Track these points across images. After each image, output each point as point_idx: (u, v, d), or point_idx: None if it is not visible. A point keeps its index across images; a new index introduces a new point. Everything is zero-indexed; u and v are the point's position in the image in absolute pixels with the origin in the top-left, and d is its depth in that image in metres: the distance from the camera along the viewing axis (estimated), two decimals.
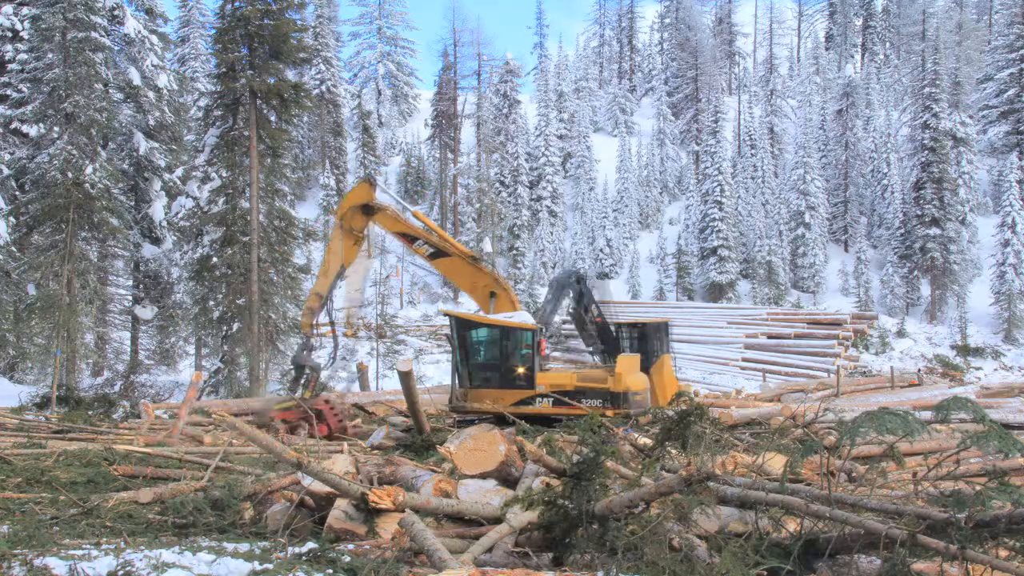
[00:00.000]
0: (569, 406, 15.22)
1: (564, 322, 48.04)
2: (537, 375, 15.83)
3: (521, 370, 15.88)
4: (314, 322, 16.58)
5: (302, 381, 16.28)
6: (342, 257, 16.38)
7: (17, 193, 28.40)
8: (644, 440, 9.54)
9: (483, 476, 7.59)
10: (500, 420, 14.38)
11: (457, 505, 6.71)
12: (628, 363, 16.35)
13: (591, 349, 19.64)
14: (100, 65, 28.11)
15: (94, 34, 27.61)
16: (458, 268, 16.81)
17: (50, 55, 27.36)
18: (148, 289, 33.03)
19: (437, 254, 16.61)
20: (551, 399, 15.59)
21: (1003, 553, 4.59)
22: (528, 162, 59.91)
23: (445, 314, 17.43)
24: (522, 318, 16.38)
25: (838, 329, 41.59)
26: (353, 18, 78.48)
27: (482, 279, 16.76)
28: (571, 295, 19.46)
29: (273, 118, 28.17)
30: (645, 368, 17.72)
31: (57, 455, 10.54)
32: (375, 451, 12.43)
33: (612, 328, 19.41)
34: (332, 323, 16.85)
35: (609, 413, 14.55)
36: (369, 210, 16.09)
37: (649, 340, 18.90)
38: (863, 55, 77.98)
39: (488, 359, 16.22)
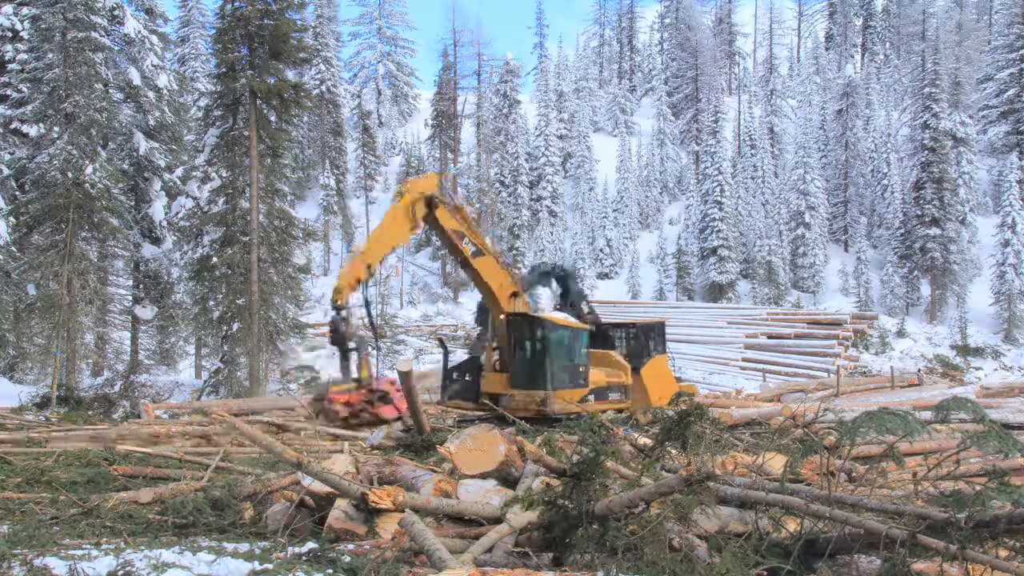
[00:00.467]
0: (600, 401, 16.38)
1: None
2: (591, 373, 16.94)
3: (581, 368, 16.67)
4: (355, 293, 14.71)
5: (353, 360, 14.32)
6: (400, 237, 15.68)
7: (17, 193, 28.40)
8: (644, 440, 9.54)
9: (483, 476, 7.58)
10: (500, 420, 14.38)
11: (457, 505, 6.71)
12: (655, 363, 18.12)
13: None
14: (100, 65, 28.12)
15: (94, 34, 27.62)
16: (493, 268, 16.59)
17: (50, 55, 27.36)
18: (148, 289, 33.03)
19: (478, 253, 16.31)
20: (593, 396, 16.56)
21: (1003, 553, 4.59)
22: (528, 162, 59.91)
23: (520, 315, 16.75)
24: (570, 318, 16.99)
25: (838, 329, 41.59)
26: (353, 18, 78.63)
27: (507, 280, 16.74)
28: (554, 289, 19.50)
29: (273, 118, 28.18)
30: (636, 369, 17.87)
31: (57, 455, 10.55)
32: (375, 451, 12.41)
33: (604, 327, 19.45)
34: (368, 303, 15.20)
35: (625, 405, 16.22)
36: (432, 203, 15.54)
37: (640, 341, 18.95)
38: (863, 55, 77.97)
39: (568, 361, 16.58)
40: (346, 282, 14.50)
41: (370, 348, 14.72)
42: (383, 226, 15.58)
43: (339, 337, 14.33)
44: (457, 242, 16.03)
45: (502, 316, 16.61)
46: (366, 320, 14.76)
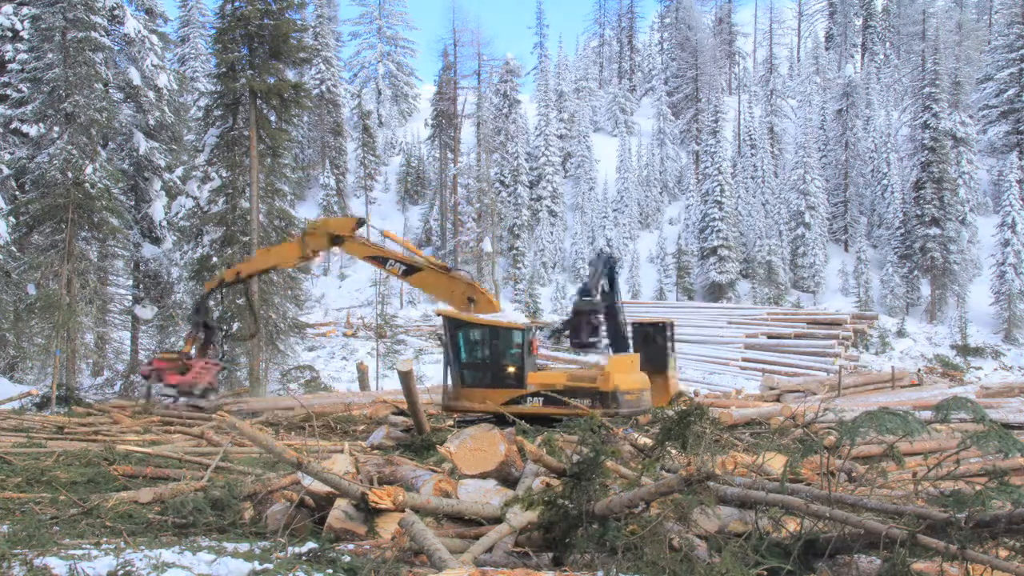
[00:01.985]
0: (559, 405, 15.13)
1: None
2: (528, 374, 15.79)
3: (511, 369, 15.85)
4: (217, 287, 19.54)
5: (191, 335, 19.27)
6: (281, 261, 19.10)
7: (17, 193, 28.38)
8: (644, 440, 9.54)
9: (483, 476, 7.59)
10: (500, 420, 14.37)
11: (457, 505, 6.71)
12: (620, 362, 16.32)
13: (606, 341, 19.33)
14: (100, 65, 28.10)
15: (94, 34, 27.60)
16: (432, 280, 17.00)
17: (50, 55, 27.35)
18: (148, 289, 33.02)
19: (409, 271, 16.99)
20: (542, 398, 15.53)
21: (1003, 553, 4.59)
22: (528, 162, 59.91)
23: (438, 314, 17.85)
24: (512, 318, 16.47)
25: (838, 329, 41.58)
26: (353, 18, 78.52)
27: (458, 287, 16.72)
28: (606, 277, 19.30)
29: (273, 118, 28.17)
30: (662, 369, 17.79)
31: (57, 455, 10.55)
32: (375, 451, 12.43)
33: (629, 326, 19.41)
34: (250, 299, 20.74)
35: (597, 413, 14.43)
36: (337, 240, 17.46)
37: (667, 340, 18.96)
38: (863, 55, 77.96)
39: (479, 358, 16.26)
40: (217, 278, 19.51)
41: (214, 335, 19.66)
42: (273, 248, 19.85)
43: (195, 316, 19.36)
44: (379, 266, 17.93)
45: (437, 315, 17.61)
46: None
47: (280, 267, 19.32)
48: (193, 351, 19.10)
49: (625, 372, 15.81)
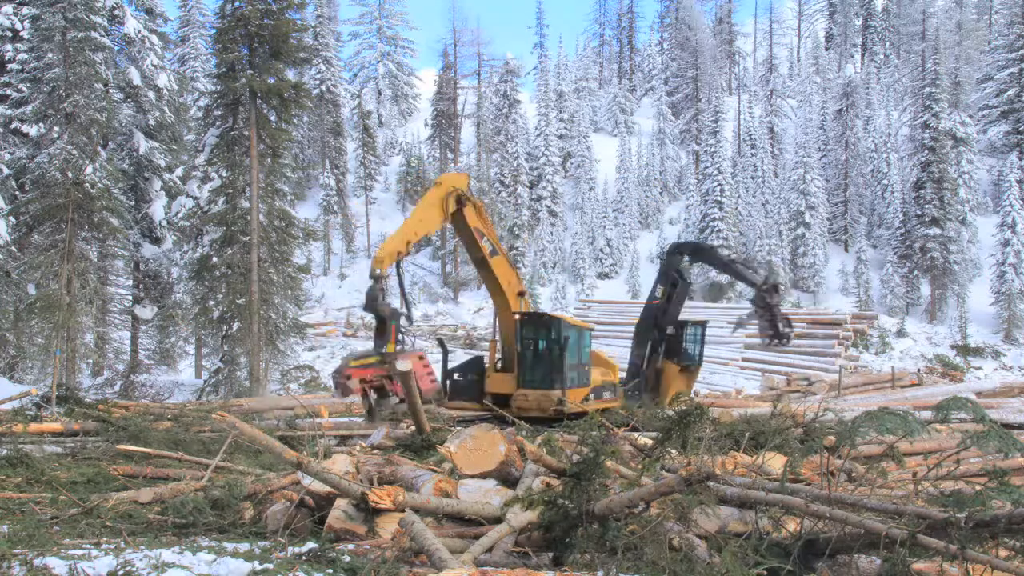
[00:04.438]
0: (601, 400, 16.56)
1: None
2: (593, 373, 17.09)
3: (586, 368, 16.90)
4: (390, 268, 15.30)
5: (384, 335, 14.75)
6: (433, 224, 16.68)
7: (17, 193, 28.38)
8: (644, 440, 9.54)
9: (483, 476, 7.59)
10: (500, 420, 14.38)
11: (457, 505, 6.71)
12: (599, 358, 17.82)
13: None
14: (100, 65, 28.10)
15: (94, 34, 27.60)
16: (505, 267, 17.05)
17: (50, 55, 27.35)
18: (148, 289, 33.04)
19: (494, 252, 16.84)
20: (594, 394, 16.76)
21: (1003, 553, 4.59)
22: (528, 162, 59.90)
23: (552, 316, 17.44)
24: (571, 316, 17.44)
25: (838, 329, 41.56)
26: (353, 18, 78.36)
27: (515, 279, 17.23)
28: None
29: (273, 118, 28.17)
30: (688, 367, 18.44)
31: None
32: (375, 451, 12.42)
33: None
34: (401, 279, 16.25)
35: (615, 404, 16.17)
36: (460, 200, 16.17)
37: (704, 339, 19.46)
38: (863, 55, 77.96)
39: (575, 361, 16.79)
40: (386, 253, 15.06)
41: (403, 321, 15.24)
42: (418, 211, 16.41)
43: (374, 305, 14.82)
44: (478, 240, 16.54)
45: (515, 316, 16.83)
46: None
47: (431, 233, 17.47)
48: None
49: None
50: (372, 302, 14.89)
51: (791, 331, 18.33)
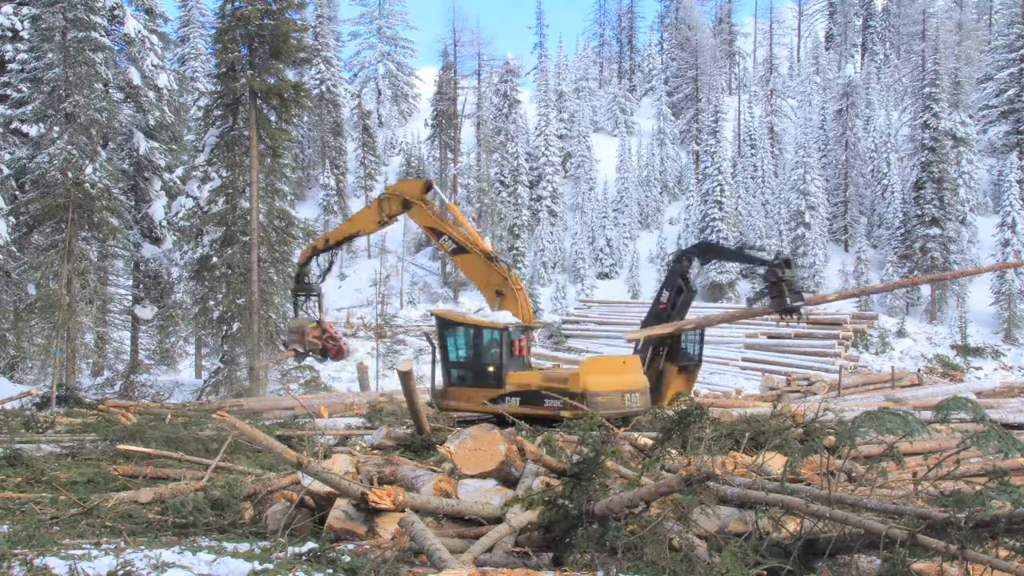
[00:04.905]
0: (534, 406, 15.09)
1: (564, 321, 48.09)
2: (509, 374, 15.76)
3: (490, 368, 15.89)
4: (312, 258, 19.73)
5: (303, 304, 20.01)
6: (362, 226, 19.30)
7: (17, 193, 28.39)
8: (644, 440, 9.54)
9: (483, 476, 7.59)
10: (500, 420, 14.36)
11: (457, 505, 6.71)
12: (596, 364, 16.45)
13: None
14: (100, 65, 28.11)
15: (94, 34, 27.61)
16: (475, 265, 17.12)
17: (50, 55, 27.35)
18: (148, 289, 33.04)
19: (458, 250, 17.16)
20: (519, 398, 15.49)
21: (1003, 553, 4.59)
22: (528, 162, 59.89)
23: (432, 313, 18.84)
24: (498, 317, 16.38)
25: (838, 329, 41.57)
26: (353, 18, 78.39)
27: (494, 277, 16.89)
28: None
29: (273, 118, 28.18)
30: (690, 370, 18.13)
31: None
32: (375, 451, 12.42)
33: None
34: (320, 274, 20.15)
35: (566, 414, 13.94)
36: (407, 204, 17.69)
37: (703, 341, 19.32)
38: (863, 55, 77.96)
39: (463, 358, 16.41)
40: (309, 247, 20.15)
41: (322, 296, 20.32)
42: (355, 215, 20.18)
43: (299, 285, 20.04)
44: (433, 238, 18.10)
45: (431, 313, 18.78)
46: (318, 273, 19.97)
47: (363, 233, 19.93)
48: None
49: (600, 373, 15.52)
50: (298, 284, 20.13)
51: (802, 303, 18.19)
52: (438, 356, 16.65)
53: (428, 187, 17.83)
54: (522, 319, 16.45)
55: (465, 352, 16.40)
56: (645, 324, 19.64)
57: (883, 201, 54.29)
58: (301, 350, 19.33)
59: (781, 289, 18.04)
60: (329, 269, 20.13)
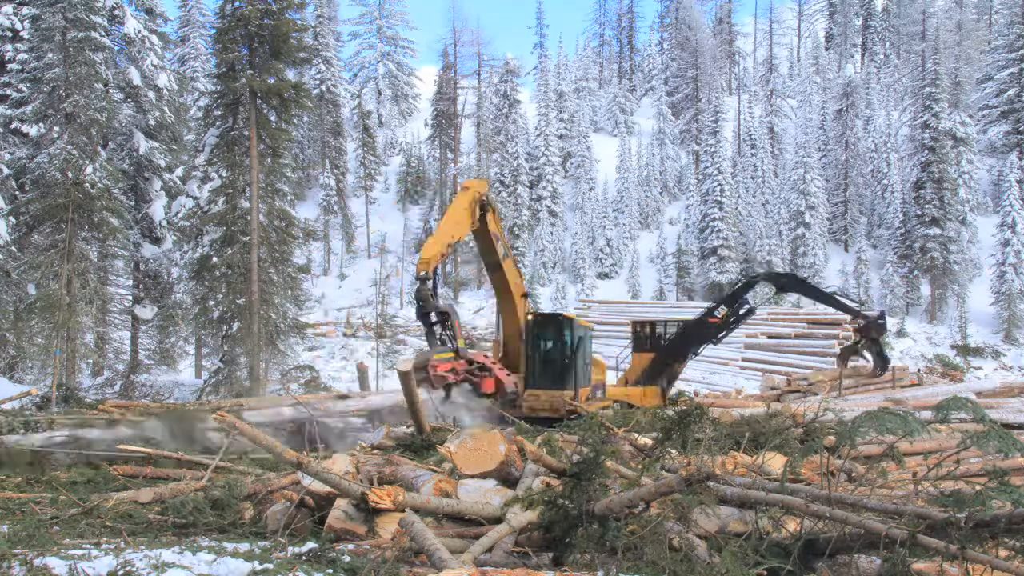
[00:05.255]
0: (597, 399, 16.93)
1: None
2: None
3: (590, 368, 17.30)
4: (435, 271, 15.37)
5: (442, 331, 14.78)
6: (463, 232, 16.34)
7: (17, 193, 28.39)
8: (644, 440, 9.54)
9: (483, 476, 7.58)
10: (500, 420, 14.37)
11: (457, 505, 6.71)
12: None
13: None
14: (100, 65, 28.11)
15: (94, 34, 27.61)
16: (513, 271, 17.41)
17: (50, 55, 27.35)
18: (148, 289, 33.03)
19: (506, 256, 17.10)
20: (591, 394, 17.17)
21: (1003, 553, 4.59)
22: (528, 162, 59.89)
23: (548, 316, 17.83)
24: (578, 316, 17.56)
25: (838, 329, 41.54)
26: (353, 18, 78.44)
27: (520, 281, 17.57)
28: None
29: (273, 118, 28.17)
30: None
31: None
32: (375, 451, 12.41)
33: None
34: (436, 278, 15.72)
35: (608, 403, 16.80)
36: (484, 206, 16.31)
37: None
38: (863, 55, 77.96)
39: (585, 359, 17.17)
40: (431, 254, 15.01)
41: (457, 317, 15.53)
42: (452, 215, 16.18)
43: (426, 306, 14.92)
44: (495, 245, 16.65)
45: (528, 316, 17.04)
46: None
47: (463, 237, 16.83)
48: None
49: None
50: (424, 303, 14.96)
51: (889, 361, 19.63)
52: (576, 358, 16.25)
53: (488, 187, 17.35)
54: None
55: (586, 354, 17.14)
56: (689, 332, 19.93)
57: (883, 201, 54.29)
58: (439, 391, 14.61)
59: (879, 347, 18.97)
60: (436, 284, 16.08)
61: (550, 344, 16.72)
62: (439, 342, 14.81)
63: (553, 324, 16.99)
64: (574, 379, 16.16)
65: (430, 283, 14.89)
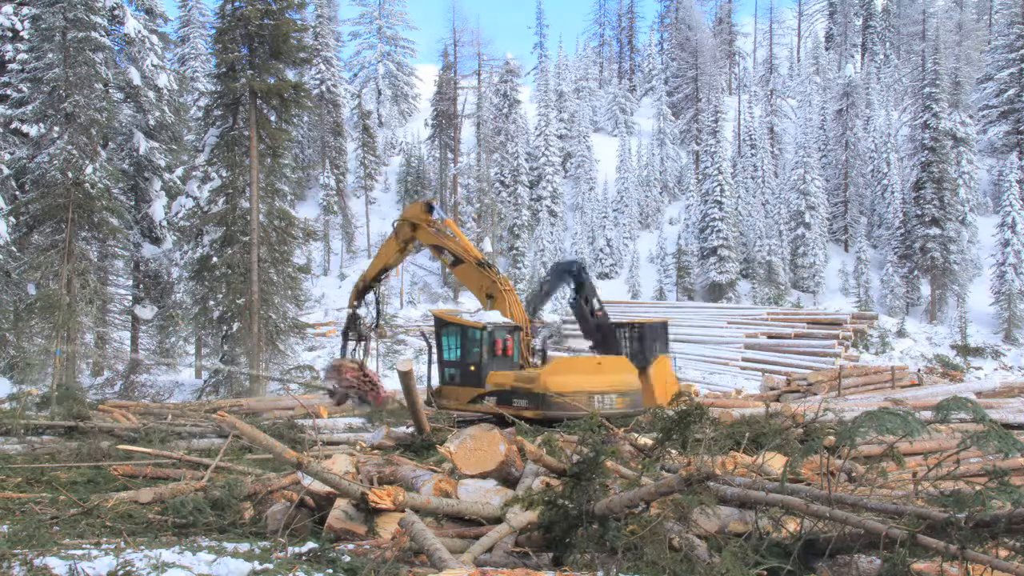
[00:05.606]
0: (507, 406, 15.23)
1: (564, 321, 48.09)
2: (489, 374, 16.06)
3: (471, 368, 16.29)
4: (358, 301, 20.25)
5: (353, 348, 19.89)
6: (387, 258, 19.73)
7: (17, 193, 28.40)
8: (644, 440, 9.54)
9: (483, 476, 7.58)
10: (500, 420, 14.37)
11: (457, 505, 6.71)
12: (562, 364, 17.15)
13: (591, 344, 19.92)
14: (100, 65, 28.13)
15: (94, 34, 27.62)
16: (469, 273, 18.01)
17: (50, 55, 27.37)
18: (148, 289, 33.03)
19: (456, 262, 18.20)
20: (496, 398, 15.74)
21: (1003, 553, 4.59)
22: (528, 162, 59.88)
23: (431, 313, 19.75)
24: (488, 317, 16.75)
25: (838, 329, 41.57)
26: (353, 18, 78.38)
27: (485, 282, 17.54)
28: (571, 284, 20.01)
29: (273, 118, 28.19)
30: (642, 368, 17.75)
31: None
32: (375, 451, 12.42)
33: (612, 326, 19.63)
34: (378, 303, 20.69)
35: (527, 414, 14.52)
36: (414, 226, 18.79)
37: (646, 340, 19.02)
38: (863, 55, 77.96)
39: (452, 357, 16.90)
40: (354, 291, 20.40)
41: (372, 343, 20.58)
42: (380, 249, 20.38)
43: (347, 331, 20.25)
44: (436, 255, 19.58)
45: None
46: (370, 320, 20.26)
47: (390, 265, 20.12)
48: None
49: (565, 374, 15.75)
50: (347, 330, 20.35)
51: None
52: (434, 355, 17.29)
53: (430, 207, 18.94)
54: (512, 319, 16.88)
55: (454, 352, 16.91)
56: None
57: (883, 201, 54.29)
58: (336, 388, 19.10)
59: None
60: (379, 312, 20.63)
61: (437, 341, 17.29)
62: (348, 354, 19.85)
63: (438, 324, 17.53)
64: (438, 376, 16.92)
65: (352, 313, 20.19)
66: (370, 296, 20.28)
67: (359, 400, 19.10)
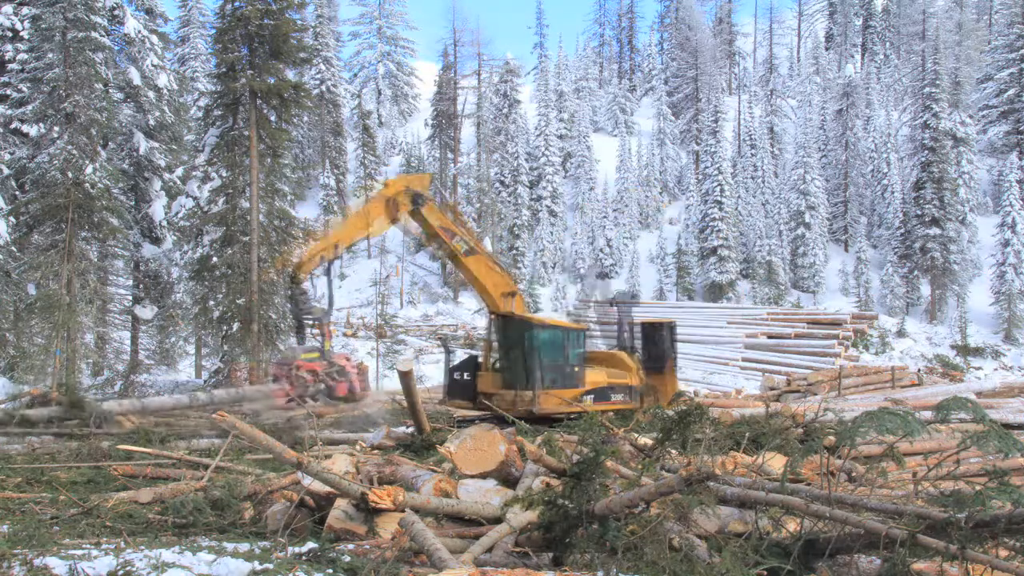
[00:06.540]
0: (606, 402, 16.41)
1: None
2: (587, 373, 17.01)
3: (574, 368, 16.80)
4: (313, 271, 15.59)
5: (315, 332, 15.30)
6: (371, 226, 16.05)
7: (17, 193, 28.39)
8: (644, 440, 9.54)
9: (483, 476, 7.59)
10: (500, 420, 14.39)
11: (457, 505, 6.71)
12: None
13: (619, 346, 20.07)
14: (100, 65, 28.10)
15: (94, 34, 27.60)
16: (484, 269, 16.90)
17: (50, 55, 27.35)
18: (148, 289, 33.01)
19: (471, 251, 16.67)
20: (593, 396, 16.56)
21: (1003, 553, 4.59)
22: (528, 162, 59.89)
23: (505, 316, 16.86)
24: (554, 319, 17.37)
25: (838, 329, 41.58)
26: (353, 18, 78.37)
27: (503, 281, 17.01)
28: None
29: (273, 118, 28.15)
30: (660, 370, 18.16)
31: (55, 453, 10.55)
32: (375, 451, 12.42)
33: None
34: (330, 277, 16.02)
35: (628, 407, 16.17)
36: (420, 200, 15.92)
37: (665, 341, 19.31)
38: (863, 55, 77.96)
39: (556, 360, 16.74)
40: (309, 256, 15.35)
41: (329, 319, 15.86)
42: (359, 212, 15.93)
43: (298, 308, 15.36)
44: (446, 239, 16.38)
45: (491, 316, 17.12)
46: (325, 294, 15.89)
47: (372, 236, 16.96)
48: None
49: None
50: (296, 306, 15.37)
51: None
52: (533, 359, 16.11)
53: (432, 181, 17.25)
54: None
55: (557, 355, 16.72)
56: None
57: (883, 201, 54.29)
58: (291, 391, 15.14)
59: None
60: (330, 289, 16.23)
61: (514, 344, 16.57)
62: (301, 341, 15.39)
63: (513, 325, 16.63)
64: (534, 380, 16.00)
65: (304, 286, 15.20)
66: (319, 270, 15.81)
67: (328, 398, 15.59)
